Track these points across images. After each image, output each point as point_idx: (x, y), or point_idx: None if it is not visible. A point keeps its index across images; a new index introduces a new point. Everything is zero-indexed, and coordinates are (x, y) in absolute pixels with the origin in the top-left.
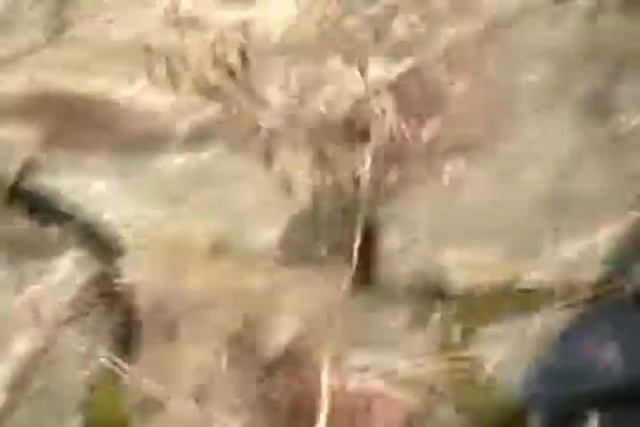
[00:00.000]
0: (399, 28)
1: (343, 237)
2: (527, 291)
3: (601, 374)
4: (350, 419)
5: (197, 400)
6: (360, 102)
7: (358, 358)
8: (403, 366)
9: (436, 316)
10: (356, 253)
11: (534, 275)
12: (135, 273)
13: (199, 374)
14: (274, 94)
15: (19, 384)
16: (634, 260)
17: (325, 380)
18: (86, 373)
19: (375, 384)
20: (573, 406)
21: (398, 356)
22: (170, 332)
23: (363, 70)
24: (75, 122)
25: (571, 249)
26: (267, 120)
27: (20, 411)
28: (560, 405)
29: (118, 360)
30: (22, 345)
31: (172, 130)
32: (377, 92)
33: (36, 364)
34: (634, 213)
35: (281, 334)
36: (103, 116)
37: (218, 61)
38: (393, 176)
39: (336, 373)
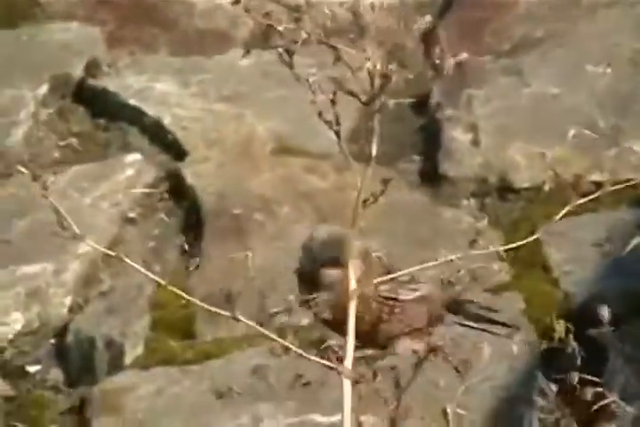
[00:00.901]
0: None
1: (409, 135)
2: (593, 186)
3: None
4: (375, 319)
5: (263, 297)
6: None
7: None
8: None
9: (501, 210)
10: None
11: (597, 173)
12: (200, 173)
13: (265, 271)
14: None
15: (87, 284)
16: None
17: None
18: (154, 271)
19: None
20: (636, 302)
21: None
22: (236, 230)
23: None
24: (137, 23)
25: (634, 148)
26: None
27: (88, 310)
28: (626, 300)
29: (186, 258)
30: (93, 244)
31: (234, 30)
32: None
33: (104, 263)
34: None
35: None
36: (165, 16)
37: None
38: (462, 74)
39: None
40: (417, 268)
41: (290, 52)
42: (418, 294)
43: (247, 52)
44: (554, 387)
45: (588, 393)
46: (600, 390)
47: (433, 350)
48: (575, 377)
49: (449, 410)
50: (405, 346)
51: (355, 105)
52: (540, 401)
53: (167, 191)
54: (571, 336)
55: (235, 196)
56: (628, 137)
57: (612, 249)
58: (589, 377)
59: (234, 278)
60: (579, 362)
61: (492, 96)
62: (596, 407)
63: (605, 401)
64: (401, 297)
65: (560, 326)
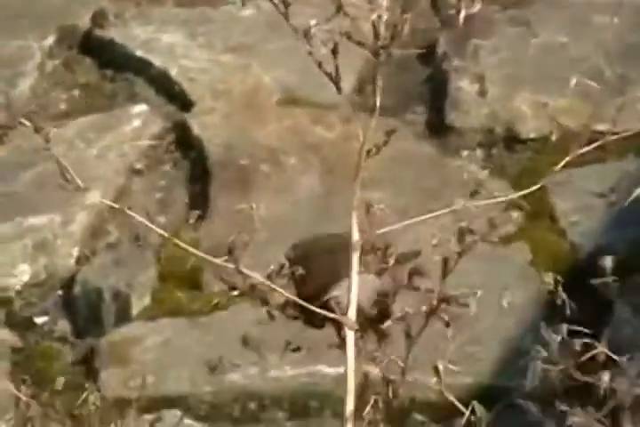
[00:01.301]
0: None
1: (415, 85)
2: (599, 135)
3: None
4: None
5: (267, 249)
6: None
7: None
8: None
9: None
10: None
11: (603, 123)
12: (206, 124)
13: (271, 222)
14: None
15: (94, 235)
16: None
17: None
18: (160, 223)
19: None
20: None
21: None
22: (243, 181)
23: None
24: None
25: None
26: None
27: (95, 261)
28: (634, 250)
29: (192, 209)
30: (96, 196)
31: None
32: None
33: (110, 214)
34: None
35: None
36: None
37: None
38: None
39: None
40: (424, 217)
41: (286, 3)
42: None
43: (243, 4)
44: (558, 338)
45: (577, 344)
46: (589, 341)
47: (444, 300)
48: (564, 329)
49: (440, 366)
50: (402, 305)
51: (360, 56)
52: (543, 352)
53: (173, 142)
54: (560, 288)
55: (241, 147)
56: (635, 87)
57: (618, 199)
58: (579, 328)
59: (239, 230)
60: (568, 313)
61: (498, 46)
62: (584, 358)
63: (594, 351)
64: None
65: (549, 278)
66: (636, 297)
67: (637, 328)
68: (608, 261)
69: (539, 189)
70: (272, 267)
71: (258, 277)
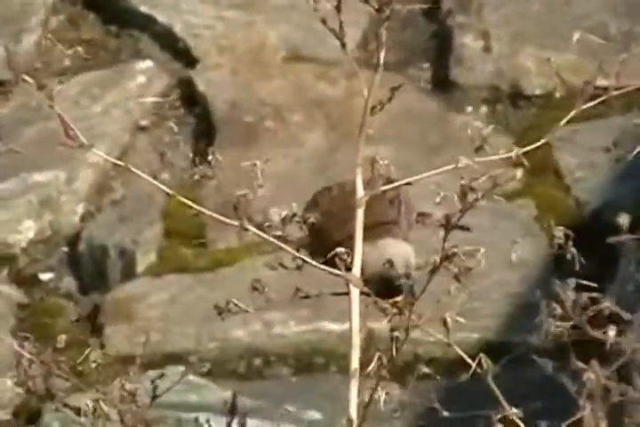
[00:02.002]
0: None
1: (420, 41)
2: (603, 91)
3: None
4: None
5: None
6: None
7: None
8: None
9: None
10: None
11: (607, 79)
12: (211, 80)
13: (276, 178)
14: None
15: (99, 192)
16: None
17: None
18: (164, 180)
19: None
20: None
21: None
22: (248, 136)
23: None
24: None
25: None
26: None
27: (100, 218)
28: (635, 208)
29: (198, 165)
30: (101, 153)
31: None
32: None
33: (115, 171)
34: None
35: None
36: None
37: None
38: None
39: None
40: (427, 174)
41: None
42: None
43: None
44: (571, 294)
45: (584, 299)
46: (596, 295)
47: (447, 257)
48: (572, 283)
49: (448, 319)
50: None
51: (365, 12)
52: (556, 308)
53: (178, 99)
54: (570, 243)
55: (246, 103)
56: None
57: (623, 154)
58: (586, 282)
59: (244, 187)
60: (577, 268)
61: (503, 2)
62: (590, 313)
63: (600, 306)
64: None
65: (559, 233)
66: None
67: None
68: (624, 218)
69: (543, 145)
70: (283, 214)
71: (262, 234)
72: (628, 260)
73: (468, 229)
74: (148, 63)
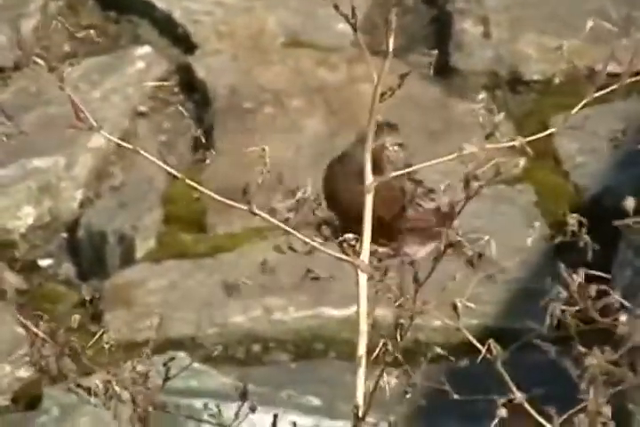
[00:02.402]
0: None
1: (420, 27)
2: (610, 77)
3: None
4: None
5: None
6: None
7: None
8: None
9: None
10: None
11: (610, 64)
12: (210, 66)
13: (276, 163)
14: None
15: (98, 178)
16: None
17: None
18: (166, 165)
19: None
20: None
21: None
22: (247, 122)
23: None
24: None
25: None
26: None
27: (99, 204)
28: (638, 193)
29: (197, 152)
30: (101, 138)
31: None
32: None
33: (115, 157)
34: None
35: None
36: None
37: None
38: None
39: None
40: (435, 161)
41: None
42: (435, 204)
43: None
44: (577, 278)
45: (593, 289)
46: (604, 287)
47: (451, 245)
48: (582, 272)
49: (458, 304)
50: (416, 248)
51: None
52: (562, 292)
53: (178, 85)
54: (583, 230)
55: (245, 89)
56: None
57: (624, 141)
58: (596, 273)
59: (245, 172)
60: (590, 256)
61: None
62: (600, 305)
63: (608, 298)
64: (422, 204)
65: (573, 220)
66: (639, 239)
67: (638, 268)
68: (630, 203)
69: (542, 130)
70: (298, 196)
71: (270, 219)
72: (626, 245)
73: (472, 265)
74: (147, 49)
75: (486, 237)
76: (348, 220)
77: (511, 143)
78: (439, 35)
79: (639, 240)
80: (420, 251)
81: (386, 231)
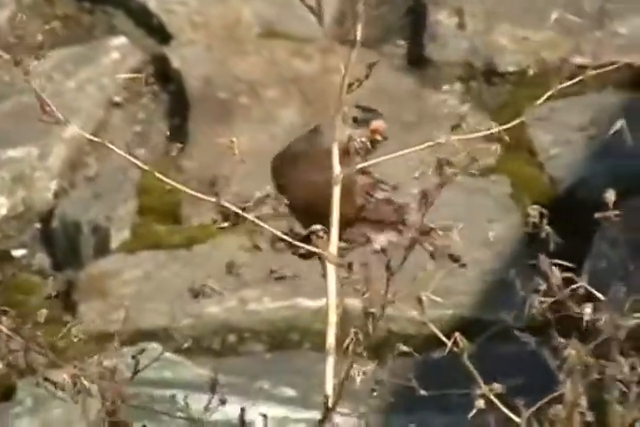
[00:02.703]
0: None
1: (395, 18)
2: (580, 68)
3: None
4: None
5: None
6: None
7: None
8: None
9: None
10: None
11: (582, 57)
12: (185, 56)
13: (250, 155)
14: None
15: (72, 168)
16: None
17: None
18: (139, 156)
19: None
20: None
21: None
22: (222, 112)
23: None
24: None
25: (618, 30)
26: None
27: (74, 194)
28: (612, 184)
29: (171, 142)
30: (75, 128)
31: None
32: None
33: (90, 147)
34: None
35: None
36: None
37: None
38: None
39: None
40: (406, 151)
41: None
42: (386, 195)
43: None
44: (557, 271)
45: (558, 278)
46: (570, 275)
47: (425, 233)
48: (546, 262)
49: (423, 297)
50: (382, 238)
51: None
52: (540, 284)
53: (153, 75)
54: (545, 221)
55: (220, 79)
56: (613, 20)
57: (597, 132)
58: (564, 262)
59: (220, 163)
60: (554, 247)
61: None
62: (567, 293)
63: (575, 286)
64: (377, 195)
65: (534, 211)
66: (614, 231)
67: (614, 261)
68: (610, 195)
69: (518, 122)
70: (257, 195)
71: (239, 211)
72: (601, 236)
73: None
74: (122, 39)
75: (458, 225)
76: (300, 213)
77: (488, 131)
78: (414, 26)
79: (614, 232)
80: (379, 239)
81: (342, 223)
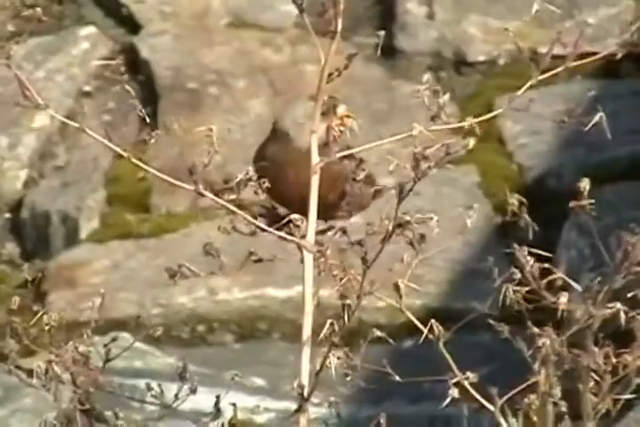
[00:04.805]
0: None
1: (364, 8)
2: (554, 59)
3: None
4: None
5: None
6: None
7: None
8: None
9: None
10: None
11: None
12: (155, 46)
13: (220, 145)
14: None
15: (42, 158)
16: None
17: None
18: (109, 146)
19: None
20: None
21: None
22: (192, 102)
23: None
24: None
25: (588, 20)
26: None
27: (43, 184)
28: (582, 173)
29: (142, 131)
30: (44, 118)
31: None
32: None
33: (59, 137)
34: None
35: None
36: None
37: None
38: None
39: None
40: (382, 142)
41: None
42: (365, 173)
43: None
44: (531, 259)
45: (533, 267)
46: (547, 265)
47: (400, 225)
48: (524, 251)
49: (401, 285)
50: (347, 220)
51: None
52: (514, 273)
53: (122, 65)
54: (524, 210)
55: (190, 69)
56: (583, 10)
57: (567, 122)
58: (538, 251)
59: (189, 153)
60: (531, 236)
61: None
62: (543, 283)
63: (552, 277)
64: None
65: (514, 200)
66: (583, 219)
67: (582, 249)
68: (585, 183)
69: (486, 111)
70: (237, 178)
71: (216, 199)
72: (571, 225)
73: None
74: (91, 29)
75: (433, 217)
76: (282, 200)
77: (460, 124)
78: (383, 16)
79: (584, 221)
80: (349, 221)
81: (319, 209)
